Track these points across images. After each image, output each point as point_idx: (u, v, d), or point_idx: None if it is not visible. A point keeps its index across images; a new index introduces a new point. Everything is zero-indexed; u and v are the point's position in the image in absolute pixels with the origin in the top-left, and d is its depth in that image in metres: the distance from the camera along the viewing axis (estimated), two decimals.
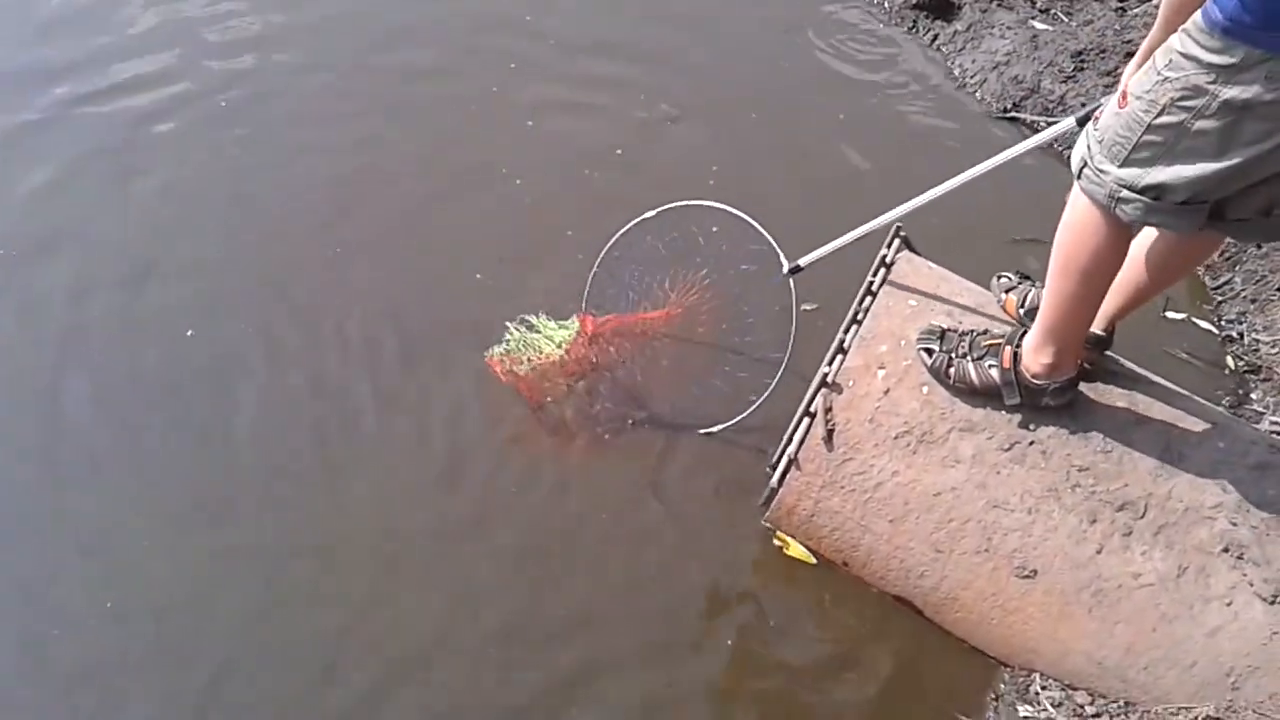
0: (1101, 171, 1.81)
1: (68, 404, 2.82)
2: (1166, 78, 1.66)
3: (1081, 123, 2.12)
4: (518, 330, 2.83)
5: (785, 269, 2.60)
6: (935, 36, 4.35)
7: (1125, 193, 1.78)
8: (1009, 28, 4.26)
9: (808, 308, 2.67)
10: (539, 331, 2.83)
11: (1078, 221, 1.91)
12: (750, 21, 4.36)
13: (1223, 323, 3.26)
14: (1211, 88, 1.60)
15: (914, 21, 4.41)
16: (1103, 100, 1.93)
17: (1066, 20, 4.28)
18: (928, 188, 2.38)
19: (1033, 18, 4.33)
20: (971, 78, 4.13)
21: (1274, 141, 1.61)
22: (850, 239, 2.52)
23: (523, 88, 3.92)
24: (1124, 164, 1.77)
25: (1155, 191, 1.75)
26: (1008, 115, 3.96)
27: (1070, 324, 2.04)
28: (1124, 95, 1.76)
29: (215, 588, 2.49)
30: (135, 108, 3.73)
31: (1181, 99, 1.65)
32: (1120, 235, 1.87)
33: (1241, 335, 3.20)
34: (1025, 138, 3.86)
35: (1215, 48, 1.58)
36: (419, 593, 2.50)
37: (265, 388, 2.88)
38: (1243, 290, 3.30)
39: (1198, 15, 1.61)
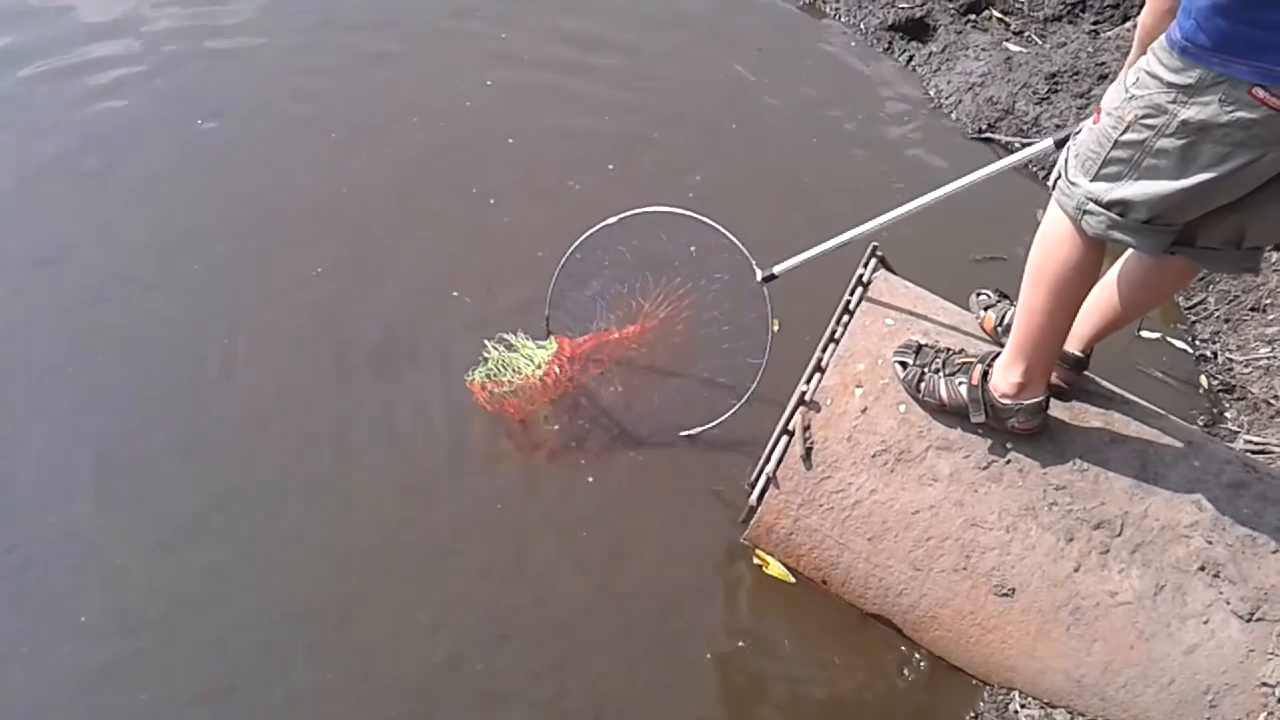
0: (1073, 184, 1.85)
1: (39, 415, 2.78)
2: (1133, 95, 1.70)
3: (1059, 145, 2.16)
4: (496, 349, 2.81)
5: (759, 277, 2.62)
6: (911, 58, 4.39)
7: (1091, 206, 1.81)
8: (983, 49, 4.31)
9: (774, 328, 2.67)
10: (517, 350, 2.81)
11: (1050, 233, 1.94)
12: (725, 41, 4.39)
13: (1197, 342, 3.29)
14: (1171, 107, 1.64)
15: (890, 43, 4.45)
16: (1082, 123, 1.96)
17: (1040, 43, 4.33)
18: (902, 205, 2.40)
19: (1007, 40, 4.38)
20: (947, 98, 4.17)
21: (1231, 165, 1.65)
22: (823, 250, 2.54)
23: (499, 104, 3.92)
24: (1094, 178, 1.80)
25: (1120, 208, 1.78)
26: (983, 136, 4.00)
27: (1040, 342, 2.04)
28: (1099, 111, 1.79)
29: (190, 603, 2.44)
30: (98, 112, 3.73)
31: (1145, 116, 1.69)
32: (1089, 250, 1.89)
33: (1215, 355, 3.23)
34: (1000, 158, 3.91)
35: (1175, 67, 1.62)
36: (398, 607, 2.47)
37: (238, 404, 2.84)
38: (1216, 310, 3.33)
39: (1163, 35, 1.64)
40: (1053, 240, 1.93)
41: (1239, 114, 1.57)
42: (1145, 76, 1.68)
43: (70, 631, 2.39)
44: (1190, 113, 1.62)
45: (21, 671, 2.32)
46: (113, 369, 2.91)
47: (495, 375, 2.74)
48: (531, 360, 2.75)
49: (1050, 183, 1.94)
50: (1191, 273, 2.17)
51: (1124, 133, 1.72)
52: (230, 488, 2.67)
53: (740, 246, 2.62)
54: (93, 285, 3.13)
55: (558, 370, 2.73)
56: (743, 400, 2.71)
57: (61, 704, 2.28)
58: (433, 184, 3.58)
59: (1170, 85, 1.63)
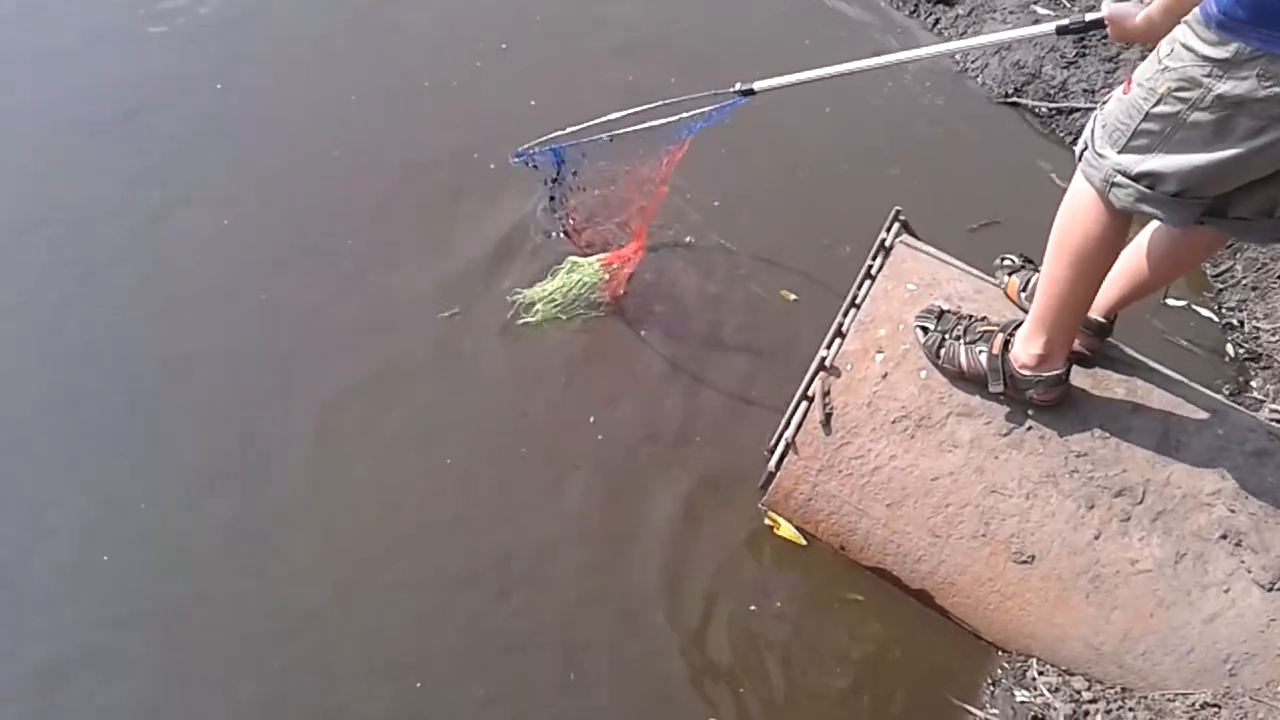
0: (1100, 155, 1.82)
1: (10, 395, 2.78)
2: (1167, 67, 1.68)
3: (1061, 31, 2.12)
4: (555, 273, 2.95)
5: (737, 88, 2.63)
6: (937, 20, 4.32)
7: (1120, 178, 1.79)
8: (1011, 12, 4.23)
9: (791, 298, 2.64)
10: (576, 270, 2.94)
11: (1074, 204, 1.92)
12: (751, 2, 4.33)
13: (1223, 310, 3.25)
14: (1206, 81, 1.62)
15: (916, 5, 4.37)
16: (1086, 16, 1.95)
17: (1069, 6, 4.25)
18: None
19: (1035, 3, 4.30)
20: (973, 62, 4.10)
21: (1266, 139, 1.62)
22: (804, 79, 2.57)
23: (511, 65, 3.88)
24: (1123, 150, 1.78)
25: (1149, 180, 1.76)
26: (1009, 100, 3.94)
27: (1061, 313, 2.02)
28: (1129, 81, 1.76)
29: (208, 553, 2.46)
30: (112, 71, 3.70)
31: (1178, 89, 1.66)
32: (1114, 222, 1.87)
33: (1242, 323, 3.19)
34: (1027, 124, 3.86)
35: (1211, 41, 1.60)
36: (400, 564, 2.49)
37: (254, 373, 2.86)
38: (1244, 278, 3.29)
39: (1198, 8, 1.61)
40: (1077, 211, 1.90)
41: (1276, 89, 1.54)
42: (1180, 48, 1.65)
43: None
44: (1226, 87, 1.59)
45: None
46: (135, 331, 2.92)
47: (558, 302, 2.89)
48: (585, 278, 2.92)
49: (1077, 153, 1.91)
50: (1220, 242, 2.14)
51: (1156, 105, 1.69)
52: (239, 439, 2.69)
53: (703, 95, 2.66)
54: (117, 241, 3.13)
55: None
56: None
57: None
58: (448, 149, 3.54)
59: (1206, 59, 1.60)
